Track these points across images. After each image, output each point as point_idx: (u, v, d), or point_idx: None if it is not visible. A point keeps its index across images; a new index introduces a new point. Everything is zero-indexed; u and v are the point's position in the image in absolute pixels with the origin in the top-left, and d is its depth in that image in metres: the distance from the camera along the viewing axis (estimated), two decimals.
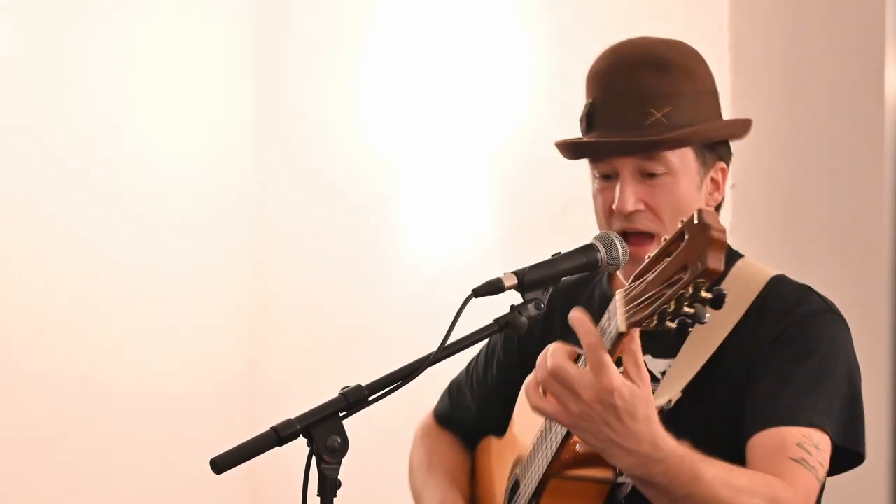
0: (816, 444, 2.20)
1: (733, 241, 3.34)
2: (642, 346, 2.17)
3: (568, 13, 3.83)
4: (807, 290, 2.36)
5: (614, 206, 2.33)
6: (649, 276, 1.95)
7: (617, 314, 2.00)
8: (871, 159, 3.30)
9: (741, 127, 2.43)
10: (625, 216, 2.33)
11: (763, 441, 2.20)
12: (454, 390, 2.70)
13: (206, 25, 4.69)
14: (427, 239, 4.25)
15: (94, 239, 4.43)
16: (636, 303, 1.96)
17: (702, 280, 1.88)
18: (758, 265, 2.39)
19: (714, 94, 2.40)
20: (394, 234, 4.35)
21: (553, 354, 2.04)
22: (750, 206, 3.39)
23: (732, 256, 2.40)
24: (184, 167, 4.62)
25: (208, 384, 4.62)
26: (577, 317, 2.02)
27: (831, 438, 2.22)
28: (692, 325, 1.93)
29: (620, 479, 2.24)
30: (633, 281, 1.98)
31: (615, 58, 2.38)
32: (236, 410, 4.60)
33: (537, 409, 2.07)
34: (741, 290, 2.31)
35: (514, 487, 2.37)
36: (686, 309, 1.91)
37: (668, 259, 1.93)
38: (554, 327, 2.45)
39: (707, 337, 2.27)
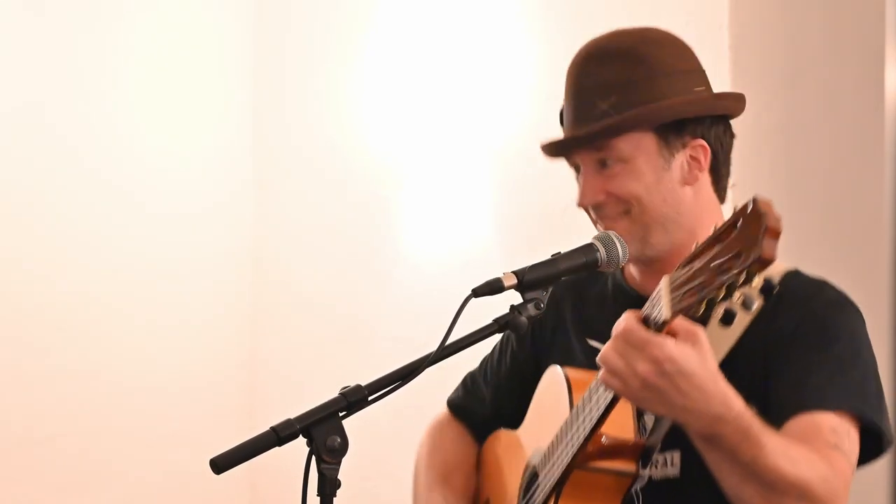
0: (848, 431, 2.19)
1: None
2: None
3: (568, 13, 3.83)
4: (822, 282, 2.36)
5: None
6: (697, 263, 1.94)
7: (662, 301, 1.99)
8: (871, 159, 3.30)
9: (703, 102, 2.39)
10: (592, 207, 2.36)
11: (797, 427, 2.19)
12: (468, 381, 2.70)
13: (207, 25, 4.68)
14: (427, 239, 4.25)
15: (93, 238, 4.43)
16: (683, 289, 1.95)
17: (755, 268, 1.87)
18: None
19: (685, 73, 2.38)
20: (394, 234, 4.35)
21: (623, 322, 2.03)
22: None
23: (772, 286, 2.39)
24: (183, 166, 4.61)
25: (208, 384, 4.62)
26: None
27: (863, 422, 2.21)
28: (735, 315, 1.93)
29: (643, 472, 2.24)
30: (681, 268, 1.97)
31: (575, 56, 2.42)
32: (236, 410, 4.60)
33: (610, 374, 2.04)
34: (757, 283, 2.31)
35: (531, 479, 2.37)
36: (735, 297, 1.91)
37: (720, 246, 1.91)
38: (565, 320, 2.45)
39: (724, 332, 2.27)
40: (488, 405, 2.64)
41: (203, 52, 4.67)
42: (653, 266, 2.35)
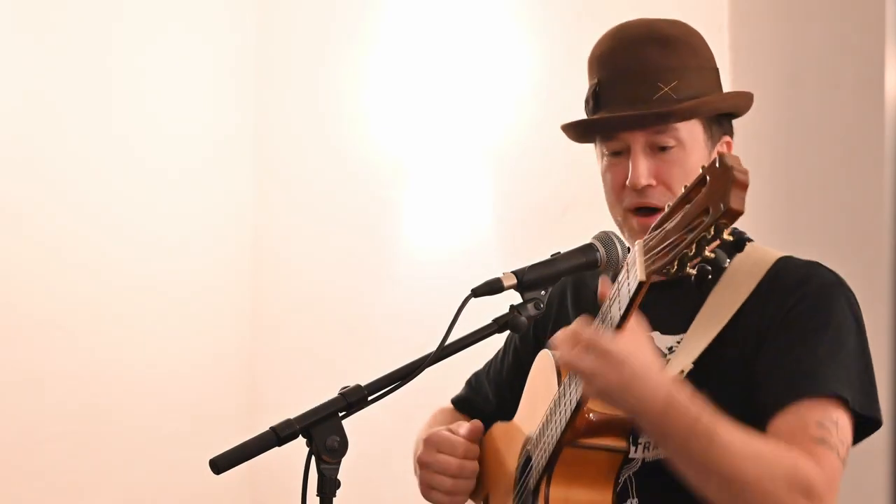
0: (836, 420, 2.18)
1: None
2: (651, 322, 2.21)
3: (568, 14, 3.83)
4: (815, 264, 2.35)
5: (627, 182, 2.32)
6: (668, 224, 1.96)
7: (636, 263, 2.00)
8: (871, 159, 3.30)
9: (745, 99, 2.44)
10: (637, 191, 2.32)
11: (782, 425, 2.19)
12: (472, 380, 2.70)
13: (208, 25, 4.68)
14: (427, 239, 4.25)
15: (93, 239, 4.43)
16: (656, 251, 1.96)
17: (724, 221, 1.89)
18: (766, 248, 2.39)
19: (715, 70, 2.41)
20: (394, 235, 4.35)
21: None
22: (750, 205, 3.38)
23: (743, 240, 2.40)
24: (184, 166, 4.61)
25: (208, 384, 4.62)
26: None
27: (851, 408, 2.21)
28: (711, 273, 1.93)
29: (633, 455, 2.24)
30: (653, 230, 1.98)
31: (619, 37, 2.39)
32: (236, 410, 4.60)
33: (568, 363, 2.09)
34: (750, 267, 2.31)
35: (525, 463, 2.37)
36: (707, 253, 1.92)
37: (689, 205, 1.93)
38: (568, 315, 2.46)
39: (717, 312, 2.27)
40: (491, 401, 2.63)
41: (204, 52, 4.67)
42: None
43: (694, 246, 1.91)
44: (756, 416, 2.20)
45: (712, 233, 1.89)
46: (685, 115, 2.32)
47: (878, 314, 3.21)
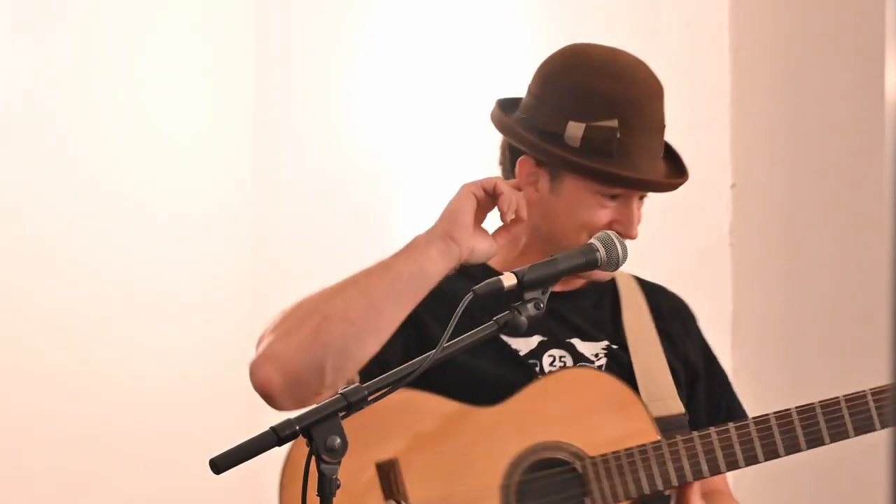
0: None
1: (733, 241, 3.35)
2: (564, 328, 2.45)
3: (568, 14, 3.83)
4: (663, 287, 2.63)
5: (619, 228, 2.39)
6: None
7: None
8: (871, 159, 3.30)
9: None
10: (623, 236, 2.39)
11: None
12: None
13: (208, 26, 4.68)
14: None
15: (93, 239, 4.42)
16: None
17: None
18: None
19: None
20: (394, 235, 4.35)
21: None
22: (750, 206, 3.39)
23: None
24: (184, 167, 4.61)
25: (208, 384, 4.61)
26: None
27: None
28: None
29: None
30: None
31: (642, 87, 2.45)
32: (236, 410, 4.60)
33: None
34: (625, 280, 2.55)
35: (542, 465, 2.40)
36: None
37: None
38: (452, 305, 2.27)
39: (640, 325, 2.50)
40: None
41: (204, 54, 4.67)
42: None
43: None
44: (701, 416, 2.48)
45: None
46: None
47: (878, 314, 3.21)
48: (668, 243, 3.46)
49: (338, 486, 1.99)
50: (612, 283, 2.53)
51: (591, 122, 2.40)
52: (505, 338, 2.45)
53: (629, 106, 2.41)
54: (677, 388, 2.41)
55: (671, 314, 2.53)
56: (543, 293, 2.15)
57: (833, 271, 3.33)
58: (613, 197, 2.42)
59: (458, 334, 2.10)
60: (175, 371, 4.55)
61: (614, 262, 2.23)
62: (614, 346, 2.47)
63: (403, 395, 2.41)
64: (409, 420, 2.48)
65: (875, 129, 3.28)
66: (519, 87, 4.01)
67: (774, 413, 2.35)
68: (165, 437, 4.50)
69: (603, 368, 2.44)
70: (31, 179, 4.34)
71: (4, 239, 4.29)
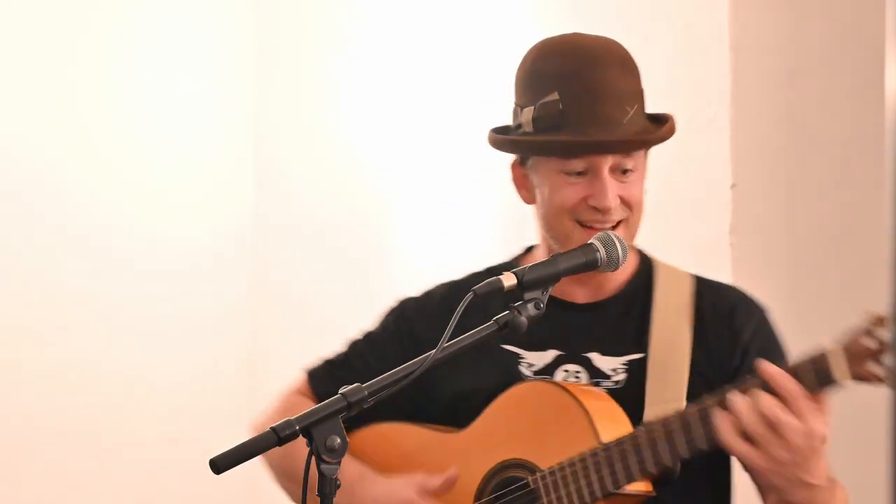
0: None
1: (733, 241, 3.33)
2: (584, 342, 2.38)
3: (567, 14, 3.83)
4: (737, 288, 2.53)
5: (593, 202, 2.36)
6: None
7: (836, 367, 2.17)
8: (871, 159, 3.30)
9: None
10: (600, 210, 2.37)
11: None
12: (337, 357, 2.65)
13: (207, 27, 4.68)
14: (427, 239, 4.25)
15: (92, 237, 4.42)
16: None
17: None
18: (670, 264, 2.51)
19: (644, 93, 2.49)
20: (394, 234, 4.35)
21: (764, 400, 2.17)
22: (750, 206, 3.39)
23: (646, 255, 2.52)
24: (184, 166, 4.61)
25: (208, 384, 4.61)
26: (772, 370, 2.19)
27: None
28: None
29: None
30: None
31: (581, 55, 2.41)
32: (236, 410, 4.60)
33: (737, 453, 2.22)
34: (676, 289, 2.45)
35: (504, 484, 2.39)
36: None
37: None
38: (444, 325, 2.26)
39: (672, 339, 2.39)
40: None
41: (203, 54, 4.67)
42: (588, 275, 2.37)
43: None
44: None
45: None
46: (659, 142, 2.40)
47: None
48: (668, 243, 3.45)
49: (338, 487, 1.99)
50: (648, 289, 2.46)
51: (537, 102, 2.41)
52: (521, 351, 2.45)
53: (570, 77, 2.39)
54: (706, 391, 2.30)
55: (717, 317, 2.43)
56: (544, 293, 2.15)
57: (833, 271, 3.33)
58: (580, 173, 2.38)
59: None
60: (175, 371, 4.55)
61: (614, 262, 2.22)
62: (637, 357, 2.41)
63: (375, 430, 2.45)
64: (383, 452, 2.50)
65: (875, 129, 3.28)
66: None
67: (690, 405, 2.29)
68: (165, 437, 4.50)
69: (621, 384, 2.40)
70: (32, 180, 4.34)
71: (4, 239, 4.29)
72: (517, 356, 2.45)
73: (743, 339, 2.41)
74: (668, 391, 2.34)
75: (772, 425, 2.16)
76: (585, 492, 2.30)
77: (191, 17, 4.65)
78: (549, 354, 2.45)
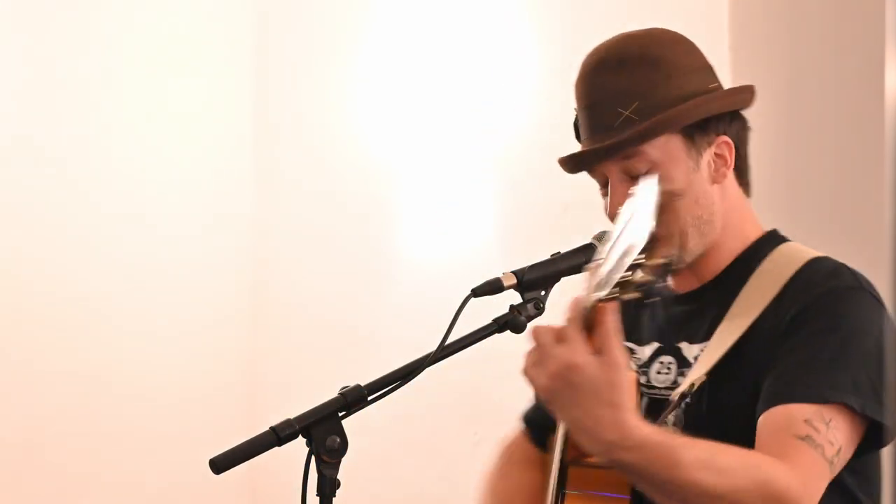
0: (828, 420, 2.14)
1: None
2: (678, 332, 2.27)
3: (568, 14, 3.83)
4: (839, 267, 2.32)
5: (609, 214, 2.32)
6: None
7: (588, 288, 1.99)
8: (871, 159, 3.30)
9: (736, 95, 2.38)
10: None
11: (770, 419, 2.15)
12: None
13: (208, 28, 4.68)
14: (427, 238, 4.25)
15: (92, 241, 4.42)
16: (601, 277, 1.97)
17: (650, 244, 1.90)
18: (803, 248, 2.37)
19: (698, 70, 2.35)
20: (394, 234, 4.35)
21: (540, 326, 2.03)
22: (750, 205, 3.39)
23: (774, 240, 2.40)
24: (184, 169, 4.62)
25: (208, 384, 4.62)
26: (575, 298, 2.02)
27: (857, 412, 2.17)
28: (656, 294, 1.93)
29: None
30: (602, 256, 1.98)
31: (584, 65, 2.38)
32: (236, 410, 4.60)
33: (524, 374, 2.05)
34: (780, 269, 2.30)
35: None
36: (646, 277, 1.93)
37: None
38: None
39: (739, 320, 2.26)
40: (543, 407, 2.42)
41: (204, 56, 4.67)
42: (688, 267, 2.34)
43: (635, 270, 1.92)
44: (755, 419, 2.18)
45: (645, 258, 1.91)
46: (641, 138, 2.28)
47: None
48: None
49: (338, 486, 1.99)
50: (747, 272, 2.32)
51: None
52: (633, 346, 2.41)
53: (576, 88, 2.37)
54: (759, 357, 2.19)
55: (788, 306, 2.24)
56: (544, 293, 2.15)
57: None
58: (603, 185, 2.35)
59: None
60: (175, 371, 4.55)
61: None
62: (702, 352, 2.32)
63: None
64: None
65: (875, 129, 3.28)
66: (518, 89, 4.01)
67: None
68: (165, 436, 4.50)
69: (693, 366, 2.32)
70: (32, 180, 4.34)
71: (4, 239, 4.29)
72: (631, 352, 2.42)
73: (796, 325, 2.23)
74: (698, 369, 2.25)
75: (535, 341, 2.01)
76: (557, 457, 2.27)
77: (191, 16, 4.65)
78: (650, 348, 2.41)
